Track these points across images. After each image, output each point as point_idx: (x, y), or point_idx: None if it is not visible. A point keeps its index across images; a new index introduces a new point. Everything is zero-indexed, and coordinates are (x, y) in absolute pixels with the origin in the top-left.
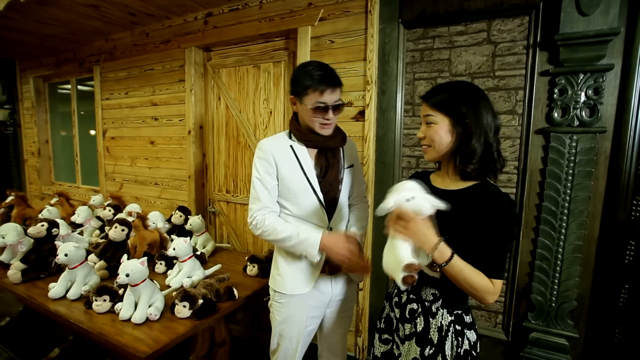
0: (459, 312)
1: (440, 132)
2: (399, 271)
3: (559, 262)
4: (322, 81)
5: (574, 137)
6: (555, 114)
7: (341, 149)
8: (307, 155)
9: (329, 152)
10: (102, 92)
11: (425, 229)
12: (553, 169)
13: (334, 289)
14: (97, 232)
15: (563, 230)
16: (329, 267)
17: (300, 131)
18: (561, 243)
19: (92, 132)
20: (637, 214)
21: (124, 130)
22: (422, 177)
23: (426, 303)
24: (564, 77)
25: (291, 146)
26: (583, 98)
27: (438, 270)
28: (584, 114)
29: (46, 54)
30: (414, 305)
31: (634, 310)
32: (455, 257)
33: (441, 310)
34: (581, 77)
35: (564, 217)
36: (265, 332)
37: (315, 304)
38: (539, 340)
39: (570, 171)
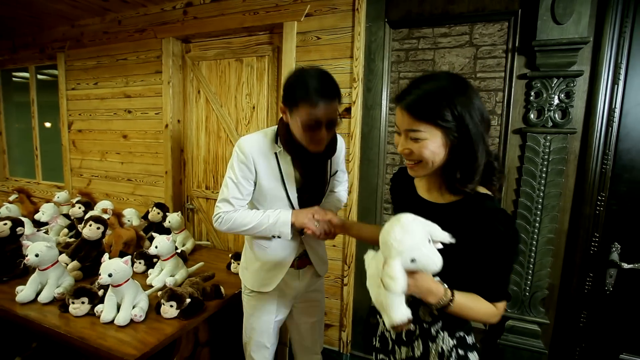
0: (461, 333)
1: (432, 147)
2: (391, 320)
3: (532, 255)
4: (317, 93)
5: (548, 137)
6: (532, 115)
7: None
8: (291, 169)
9: (315, 167)
10: (67, 82)
11: (431, 282)
12: (529, 167)
13: (301, 282)
14: (66, 230)
15: (537, 225)
16: (298, 262)
17: (287, 141)
18: (535, 236)
19: (48, 125)
20: (601, 209)
21: (93, 122)
22: (406, 178)
23: (424, 324)
24: (540, 80)
25: (276, 154)
26: (556, 101)
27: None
28: (556, 115)
29: (1, 37)
30: (411, 327)
31: (597, 296)
32: (456, 296)
33: (442, 334)
34: (555, 81)
35: (538, 212)
36: None
37: (283, 298)
38: (514, 328)
39: (544, 169)
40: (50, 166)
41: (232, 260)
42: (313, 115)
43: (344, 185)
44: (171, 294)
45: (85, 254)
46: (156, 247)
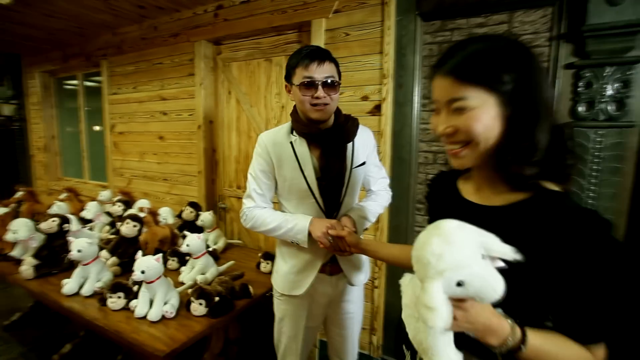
0: None
1: (484, 118)
2: None
3: None
4: (307, 55)
5: (600, 132)
6: (580, 108)
7: (351, 145)
8: (307, 154)
9: (332, 151)
10: (109, 87)
11: (491, 316)
12: (577, 165)
13: (333, 289)
14: (107, 227)
15: None
16: (330, 268)
17: (298, 121)
18: None
19: (97, 128)
20: None
21: (132, 125)
22: (448, 182)
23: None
24: (590, 69)
25: (291, 143)
26: (610, 91)
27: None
28: (610, 107)
29: (53, 49)
30: None
31: None
32: (530, 337)
33: None
34: (608, 70)
35: None
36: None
37: (315, 304)
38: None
39: (595, 167)
40: (96, 167)
41: (262, 260)
42: (306, 74)
43: (381, 184)
44: (200, 292)
45: (124, 251)
46: (187, 245)
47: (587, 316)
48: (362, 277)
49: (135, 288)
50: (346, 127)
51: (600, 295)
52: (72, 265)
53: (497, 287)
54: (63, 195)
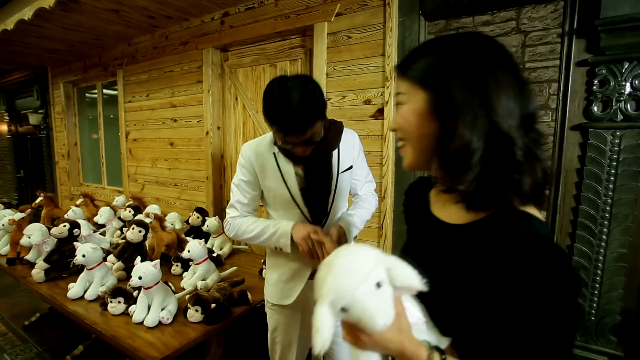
0: None
1: (410, 114)
2: None
3: (599, 272)
4: (281, 128)
5: (617, 134)
6: (595, 108)
7: (336, 151)
8: (290, 166)
9: (316, 161)
10: (125, 95)
11: (403, 341)
12: (592, 169)
13: None
14: (118, 232)
15: (604, 237)
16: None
17: (279, 145)
18: (602, 251)
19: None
20: None
21: (145, 132)
22: (422, 191)
23: None
24: (606, 66)
25: (274, 154)
26: (628, 89)
27: None
28: (629, 106)
29: (75, 60)
30: None
31: None
32: None
33: None
34: (626, 66)
35: (605, 222)
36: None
37: (307, 314)
38: (576, 358)
39: (613, 171)
40: (114, 173)
41: (264, 266)
42: (285, 139)
43: (368, 187)
44: (197, 298)
45: (129, 256)
46: (189, 251)
47: (526, 351)
48: None
49: (135, 293)
50: (327, 136)
51: (540, 328)
52: (81, 269)
53: (376, 318)
54: (79, 201)
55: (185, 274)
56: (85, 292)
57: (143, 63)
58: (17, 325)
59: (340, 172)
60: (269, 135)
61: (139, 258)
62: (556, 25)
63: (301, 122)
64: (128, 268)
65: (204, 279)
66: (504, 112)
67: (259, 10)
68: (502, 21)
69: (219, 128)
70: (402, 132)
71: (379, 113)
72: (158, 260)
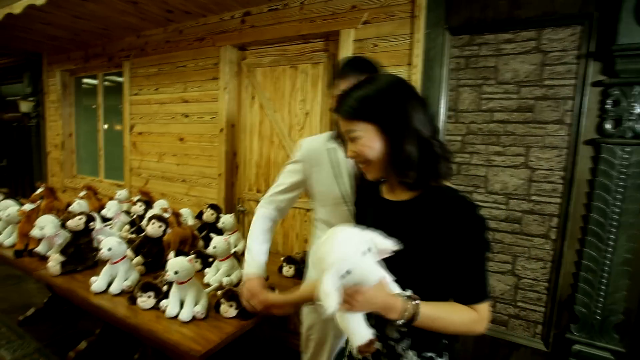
0: (432, 354)
1: (369, 143)
2: (352, 343)
3: (605, 275)
4: (345, 68)
5: (627, 149)
6: (607, 125)
7: None
8: (344, 162)
9: None
10: (131, 88)
11: (386, 296)
12: (602, 180)
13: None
14: (128, 227)
15: (611, 243)
16: None
17: (340, 135)
18: (609, 255)
19: (118, 127)
20: None
21: (152, 126)
22: (373, 187)
23: (390, 342)
24: (619, 88)
25: (328, 150)
26: (638, 110)
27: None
28: (637, 126)
29: (75, 48)
30: (378, 346)
31: None
32: (422, 307)
33: (409, 353)
34: (636, 89)
35: (613, 230)
36: (292, 333)
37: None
38: (581, 353)
39: (621, 183)
40: (112, 165)
41: (285, 264)
42: (337, 125)
43: None
44: (232, 294)
45: (148, 250)
46: (214, 247)
47: (467, 280)
48: None
49: (164, 288)
50: None
51: (473, 262)
52: (96, 263)
53: (371, 276)
54: (82, 193)
55: (207, 270)
56: (107, 286)
57: (153, 56)
58: (9, 321)
59: None
60: (326, 134)
61: (172, 253)
62: (574, 47)
63: (347, 104)
64: (146, 263)
65: (228, 276)
66: (424, 126)
67: (282, 12)
68: (523, 40)
69: (233, 126)
70: (362, 157)
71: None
72: (193, 256)
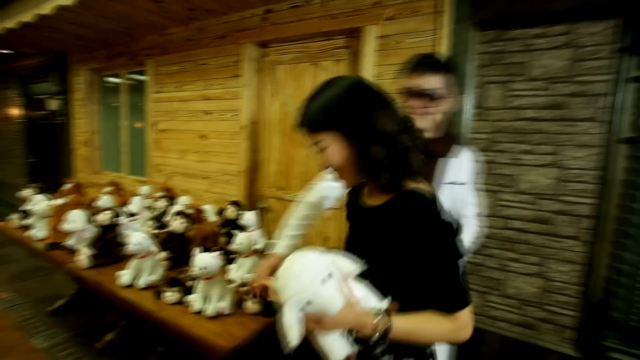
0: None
1: (337, 151)
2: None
3: None
4: (415, 64)
5: None
6: None
7: (445, 162)
8: None
9: (430, 160)
10: (153, 86)
11: (356, 314)
12: (638, 181)
13: None
14: (151, 222)
15: None
16: None
17: None
18: None
19: (138, 125)
20: None
21: (174, 123)
22: (357, 191)
23: (369, 343)
24: None
25: None
26: None
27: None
28: None
29: (99, 47)
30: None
31: None
32: (395, 321)
33: (386, 357)
34: None
35: None
36: None
37: None
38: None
39: None
40: (135, 162)
41: None
42: (406, 83)
43: (469, 210)
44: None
45: (172, 246)
46: (238, 244)
47: (441, 289)
48: None
49: (188, 283)
50: (440, 140)
51: (442, 269)
52: (122, 257)
53: (334, 303)
54: (107, 189)
55: (231, 266)
56: (134, 280)
57: (175, 54)
58: (41, 311)
59: (439, 182)
60: None
61: (198, 249)
62: (608, 42)
63: (431, 61)
64: (171, 258)
65: (251, 272)
66: (388, 123)
67: (304, 9)
68: (555, 35)
69: (254, 123)
70: (334, 167)
71: None
72: (219, 252)
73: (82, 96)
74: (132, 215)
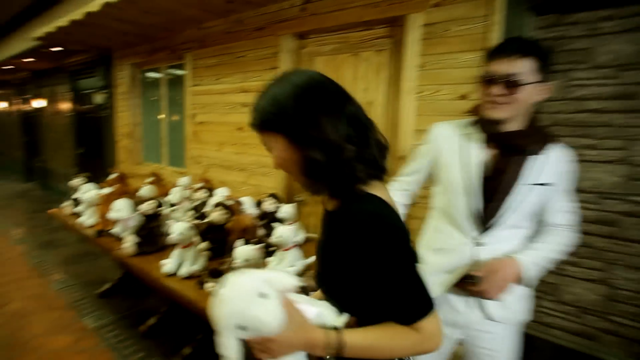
0: None
1: (281, 153)
2: None
3: None
4: (495, 49)
5: None
6: None
7: (535, 159)
8: (474, 150)
9: (504, 156)
10: (192, 79)
11: (303, 333)
12: None
13: (470, 313)
14: (191, 212)
15: None
16: (466, 284)
17: (479, 117)
18: None
19: (175, 117)
20: None
21: (212, 116)
22: None
23: None
24: None
25: (460, 136)
26: None
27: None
28: None
29: (141, 43)
30: None
31: None
32: (347, 337)
33: None
34: None
35: None
36: None
37: (447, 319)
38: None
39: None
40: (174, 154)
41: None
42: (488, 68)
43: (565, 218)
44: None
45: (212, 237)
46: (279, 237)
47: (395, 300)
48: (511, 315)
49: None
50: (524, 132)
51: (395, 280)
52: (165, 246)
53: (269, 322)
54: (149, 179)
55: (271, 259)
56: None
57: (213, 47)
58: (88, 293)
59: (527, 182)
60: (464, 120)
61: (240, 241)
62: None
63: (520, 44)
64: (210, 249)
65: (291, 266)
66: (333, 130)
67: None
68: (626, 16)
69: None
70: (281, 168)
71: (476, 110)
72: (260, 245)
73: (125, 90)
74: (172, 205)
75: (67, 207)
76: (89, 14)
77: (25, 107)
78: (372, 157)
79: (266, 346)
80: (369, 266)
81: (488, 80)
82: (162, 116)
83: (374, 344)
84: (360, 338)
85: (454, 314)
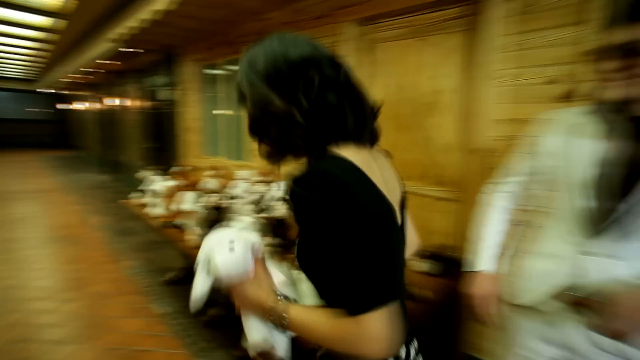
0: None
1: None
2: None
3: None
4: (626, 13)
5: None
6: None
7: None
8: (590, 142)
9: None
10: None
11: (258, 291)
12: None
13: (571, 331)
14: (251, 206)
15: None
16: (575, 299)
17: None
18: None
19: (217, 111)
20: None
21: None
22: None
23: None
24: None
25: (572, 125)
26: None
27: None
28: None
29: (202, 39)
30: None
31: None
32: (291, 310)
33: None
34: None
35: None
36: None
37: (540, 332)
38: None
39: None
40: (233, 148)
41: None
42: (621, 36)
43: None
44: None
45: (277, 231)
46: None
47: (340, 284)
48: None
49: None
50: None
51: (351, 262)
52: None
53: (221, 270)
54: (211, 172)
55: None
56: None
57: None
58: (155, 280)
59: None
60: (583, 107)
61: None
62: None
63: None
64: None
65: None
66: (279, 101)
67: None
68: None
69: None
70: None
71: (568, 96)
72: None
73: (187, 86)
74: (232, 198)
75: (136, 197)
76: (156, 13)
77: (100, 106)
78: (340, 119)
79: (233, 293)
80: (313, 234)
81: (620, 50)
82: (221, 111)
83: (312, 325)
84: (303, 315)
85: (549, 328)
